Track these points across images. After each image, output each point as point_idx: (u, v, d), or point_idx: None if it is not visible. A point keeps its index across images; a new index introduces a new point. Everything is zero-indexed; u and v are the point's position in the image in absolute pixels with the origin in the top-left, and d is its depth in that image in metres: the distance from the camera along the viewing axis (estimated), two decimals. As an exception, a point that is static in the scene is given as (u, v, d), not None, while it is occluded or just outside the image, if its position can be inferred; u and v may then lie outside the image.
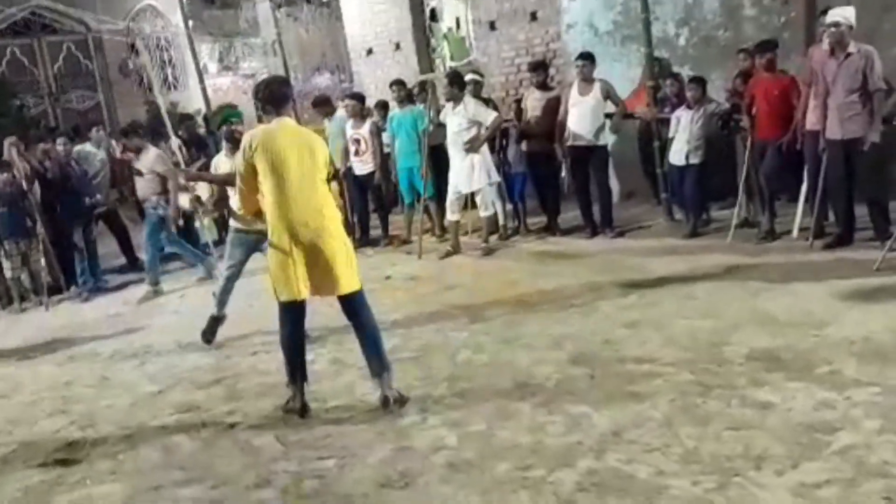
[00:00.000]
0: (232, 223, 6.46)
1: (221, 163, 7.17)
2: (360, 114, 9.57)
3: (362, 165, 9.51)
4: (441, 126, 8.69)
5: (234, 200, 6.00)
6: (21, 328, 8.09)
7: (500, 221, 9.08)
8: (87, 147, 10.02)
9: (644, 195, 9.63)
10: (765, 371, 4.54)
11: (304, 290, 4.54)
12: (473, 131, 8.30)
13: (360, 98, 9.87)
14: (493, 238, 8.84)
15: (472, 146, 8.29)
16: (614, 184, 9.57)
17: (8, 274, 8.80)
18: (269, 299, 4.79)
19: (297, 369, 4.74)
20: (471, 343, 5.68)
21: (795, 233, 7.42)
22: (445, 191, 8.77)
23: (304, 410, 4.73)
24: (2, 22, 15.96)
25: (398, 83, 9.55)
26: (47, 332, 7.76)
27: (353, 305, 4.68)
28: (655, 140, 8.58)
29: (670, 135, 8.23)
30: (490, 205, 8.57)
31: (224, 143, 7.23)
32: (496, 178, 8.59)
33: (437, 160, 8.97)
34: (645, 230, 8.60)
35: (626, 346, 5.19)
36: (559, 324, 5.82)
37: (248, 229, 6.11)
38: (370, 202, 9.86)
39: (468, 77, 8.82)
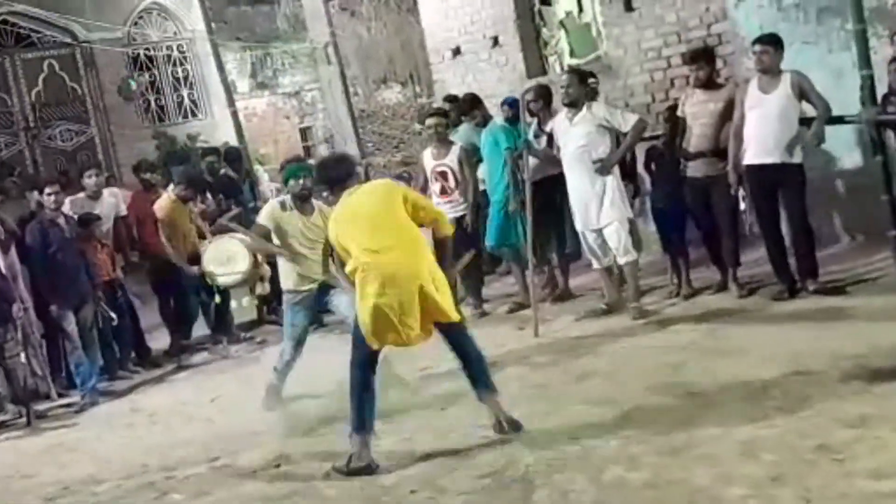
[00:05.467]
0: (286, 285, 7.91)
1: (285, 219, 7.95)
2: (445, 137, 9.72)
3: (451, 207, 9.63)
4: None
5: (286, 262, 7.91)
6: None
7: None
8: (81, 199, 10.39)
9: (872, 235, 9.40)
10: None
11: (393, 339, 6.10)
12: (603, 146, 8.51)
13: (444, 114, 10.02)
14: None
15: (604, 164, 8.48)
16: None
17: (-26, 376, 9.11)
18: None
19: (366, 417, 6.04)
20: (622, 455, 5.60)
21: None
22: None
23: (371, 467, 5.93)
24: (-40, 36, 16.71)
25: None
26: (31, 456, 7.96)
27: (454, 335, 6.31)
28: (877, 154, 8.40)
29: (901, 144, 8.07)
30: (630, 249, 8.70)
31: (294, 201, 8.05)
32: (630, 212, 8.79)
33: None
34: (868, 284, 8.41)
35: (853, 455, 5.01)
36: (751, 425, 5.68)
37: (301, 288, 7.81)
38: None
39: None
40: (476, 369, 6.28)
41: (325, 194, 7.03)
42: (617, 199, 8.60)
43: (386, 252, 6.00)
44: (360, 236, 6.07)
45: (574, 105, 8.68)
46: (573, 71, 9.12)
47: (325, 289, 7.81)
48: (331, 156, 8.47)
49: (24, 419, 8.94)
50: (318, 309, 8.12)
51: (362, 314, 6.01)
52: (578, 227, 8.89)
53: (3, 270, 9.02)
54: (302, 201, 7.93)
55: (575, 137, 8.64)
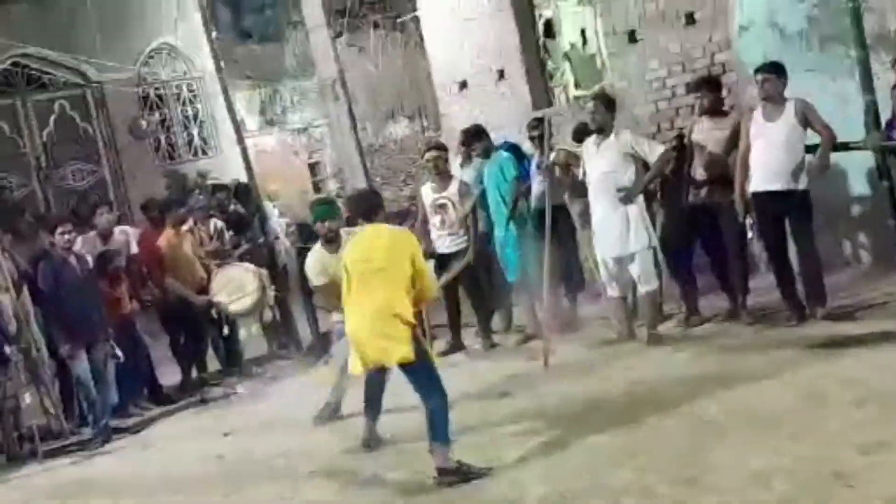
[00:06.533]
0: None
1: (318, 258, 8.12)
2: (444, 171, 9.78)
3: (451, 241, 9.70)
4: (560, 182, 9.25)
5: None
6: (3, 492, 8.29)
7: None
8: (93, 237, 10.41)
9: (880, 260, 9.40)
10: None
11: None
12: (629, 174, 8.56)
13: (444, 148, 10.11)
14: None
15: (629, 193, 8.52)
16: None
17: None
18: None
19: (371, 408, 7.25)
20: (635, 486, 5.57)
21: None
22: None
23: (368, 441, 7.19)
24: (-26, 78, 16.74)
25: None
26: (43, 495, 7.96)
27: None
28: (883, 179, 8.38)
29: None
30: (653, 277, 8.75)
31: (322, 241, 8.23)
32: (655, 240, 8.75)
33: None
34: (877, 309, 8.35)
35: (869, 481, 4.96)
36: (763, 452, 5.64)
37: None
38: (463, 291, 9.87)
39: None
40: (429, 416, 6.38)
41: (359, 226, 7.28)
42: (641, 227, 8.60)
43: (362, 317, 6.59)
44: (355, 285, 6.66)
45: (601, 131, 8.70)
46: (599, 96, 9.12)
47: None
48: (359, 191, 9.33)
49: (35, 458, 8.90)
50: None
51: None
52: (600, 254, 8.86)
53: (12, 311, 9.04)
54: (329, 243, 8.04)
55: (601, 164, 8.65)
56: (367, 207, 7.10)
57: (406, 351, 6.40)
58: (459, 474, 6.13)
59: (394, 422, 7.36)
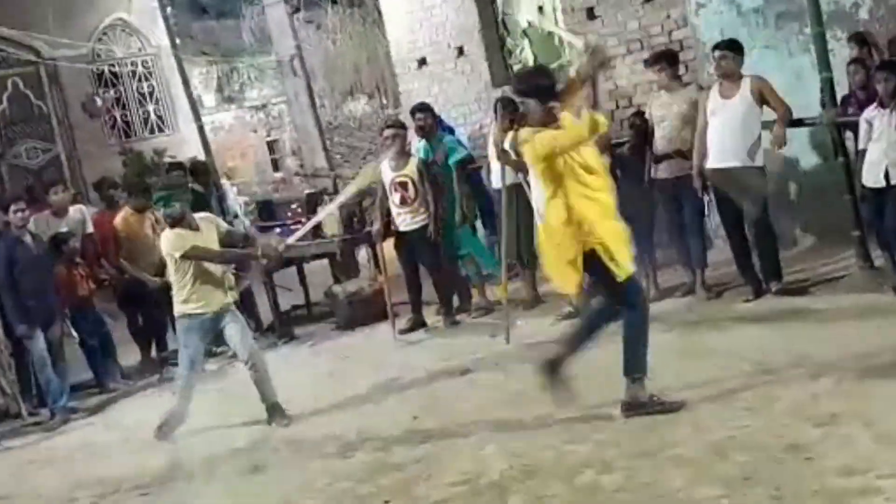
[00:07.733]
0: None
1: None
2: (403, 148, 9.79)
3: (411, 218, 9.73)
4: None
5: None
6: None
7: None
8: (46, 216, 10.31)
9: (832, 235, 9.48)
10: None
11: None
12: None
13: (402, 126, 10.14)
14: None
15: None
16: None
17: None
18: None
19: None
20: (595, 459, 5.61)
21: None
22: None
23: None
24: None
25: None
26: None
27: None
28: (838, 155, 8.47)
29: (860, 146, 8.11)
30: None
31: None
32: None
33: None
34: (832, 283, 8.44)
35: (822, 452, 5.04)
36: (721, 425, 5.69)
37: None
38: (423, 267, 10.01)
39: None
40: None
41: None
42: None
43: None
44: None
45: None
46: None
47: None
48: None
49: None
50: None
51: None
52: None
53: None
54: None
55: None
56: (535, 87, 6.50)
57: None
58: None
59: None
